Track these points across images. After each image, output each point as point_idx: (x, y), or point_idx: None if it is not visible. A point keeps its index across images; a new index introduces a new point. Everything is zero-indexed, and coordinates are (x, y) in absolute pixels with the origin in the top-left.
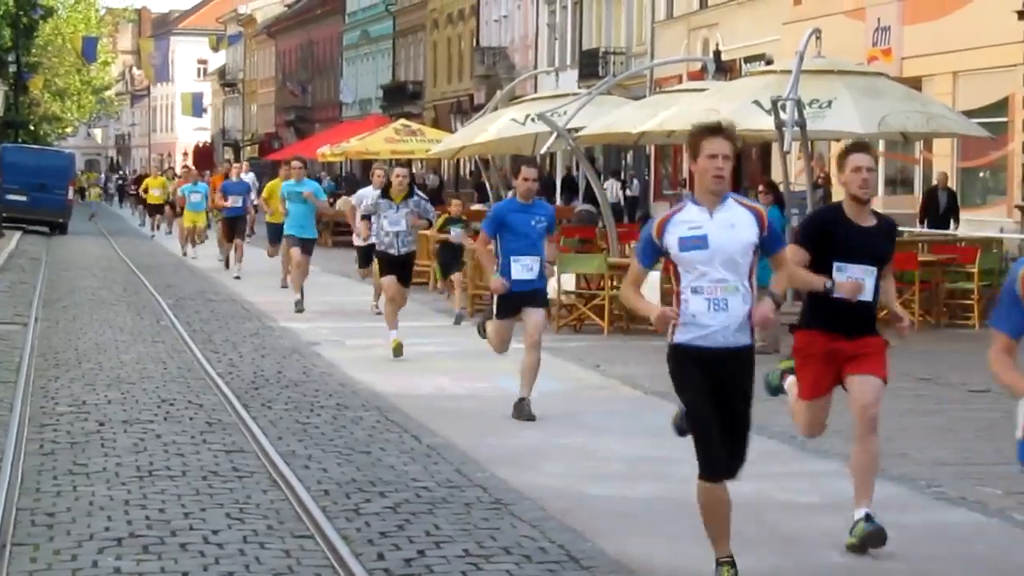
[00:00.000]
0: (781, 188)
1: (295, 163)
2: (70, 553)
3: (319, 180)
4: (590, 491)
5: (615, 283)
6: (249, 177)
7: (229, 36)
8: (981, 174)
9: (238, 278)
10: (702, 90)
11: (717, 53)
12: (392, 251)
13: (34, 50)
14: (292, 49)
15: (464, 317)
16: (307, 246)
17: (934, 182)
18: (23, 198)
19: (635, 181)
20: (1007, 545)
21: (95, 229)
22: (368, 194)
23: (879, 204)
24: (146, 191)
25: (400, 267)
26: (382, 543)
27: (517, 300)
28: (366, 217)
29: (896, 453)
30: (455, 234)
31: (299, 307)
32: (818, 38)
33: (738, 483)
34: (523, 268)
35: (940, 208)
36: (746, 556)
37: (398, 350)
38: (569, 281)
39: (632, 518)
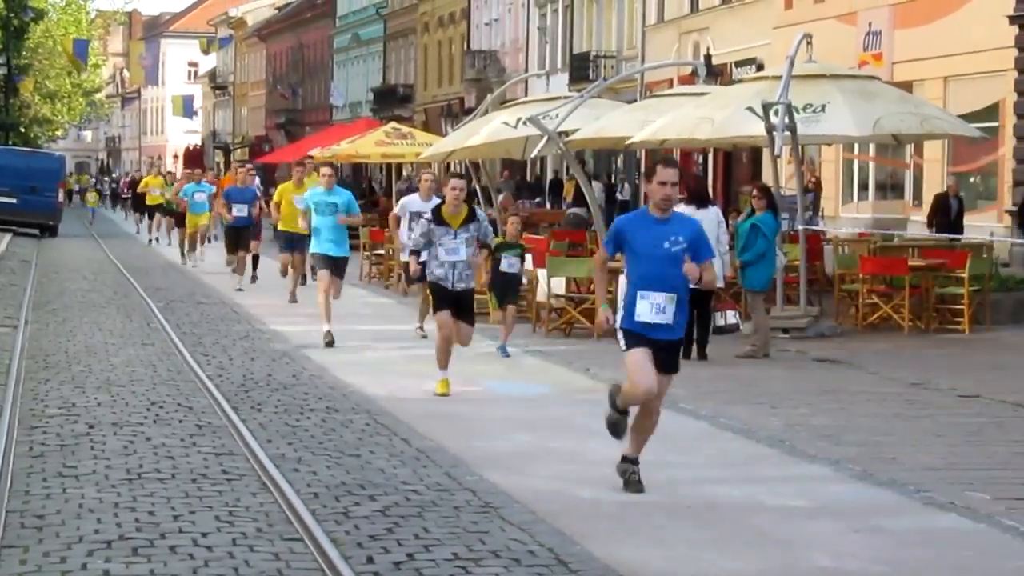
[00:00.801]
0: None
1: (324, 169)
2: (59, 555)
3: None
4: (580, 494)
5: None
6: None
7: (220, 39)
8: (972, 179)
9: (240, 290)
10: (693, 94)
11: (708, 57)
12: (445, 284)
13: (24, 52)
14: (283, 52)
15: (506, 352)
16: (340, 267)
17: (943, 189)
18: (13, 200)
19: (625, 185)
20: (996, 550)
21: (86, 232)
22: (414, 203)
23: (869, 208)
24: (145, 189)
25: (456, 302)
26: (371, 546)
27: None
28: (415, 252)
29: (885, 458)
30: (508, 264)
31: (329, 339)
32: (809, 42)
33: (727, 487)
34: (653, 308)
35: (951, 214)
36: (735, 559)
37: (444, 390)
38: (559, 284)
39: (621, 521)
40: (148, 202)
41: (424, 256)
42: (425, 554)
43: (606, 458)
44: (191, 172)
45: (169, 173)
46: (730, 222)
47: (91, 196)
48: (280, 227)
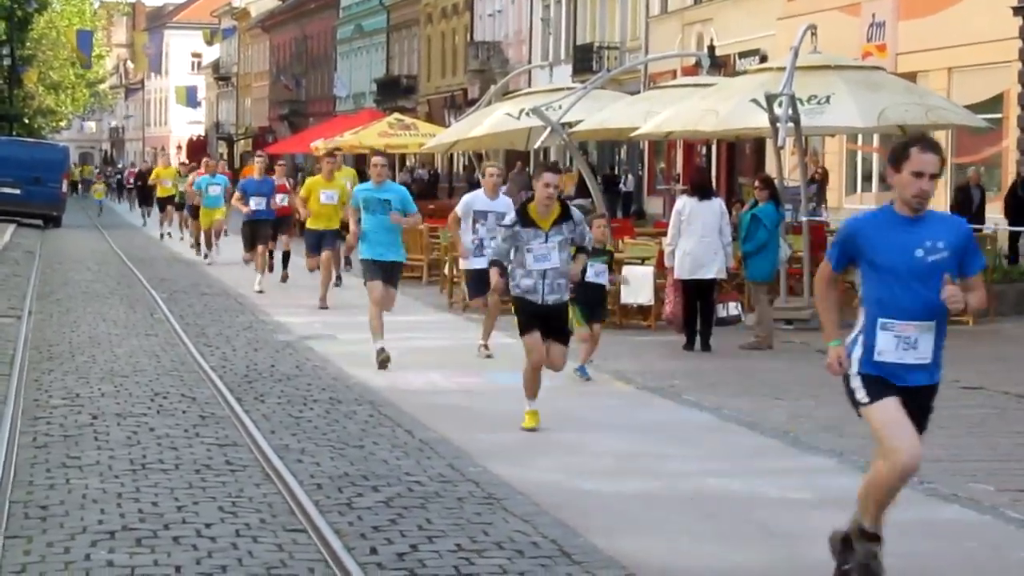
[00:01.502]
0: (776, 183)
1: (377, 159)
2: (63, 546)
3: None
4: (583, 486)
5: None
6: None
7: (223, 30)
8: (977, 170)
9: (261, 291)
10: (697, 86)
11: (711, 48)
12: (533, 297)
13: (28, 43)
14: (286, 43)
15: (586, 373)
16: (394, 274)
17: (966, 179)
18: (17, 191)
19: (628, 176)
20: (999, 542)
21: (90, 222)
22: (478, 201)
23: (872, 199)
24: (156, 180)
25: (546, 318)
26: (375, 537)
27: None
28: (496, 262)
29: None
30: (595, 273)
31: (384, 356)
32: (813, 34)
33: (731, 479)
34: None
35: (973, 206)
36: (738, 552)
37: (534, 424)
38: None
39: (624, 513)
40: (159, 194)
41: (477, 262)
42: (428, 545)
43: (609, 449)
44: (206, 162)
45: (183, 164)
46: (734, 213)
47: (99, 188)
48: (308, 225)
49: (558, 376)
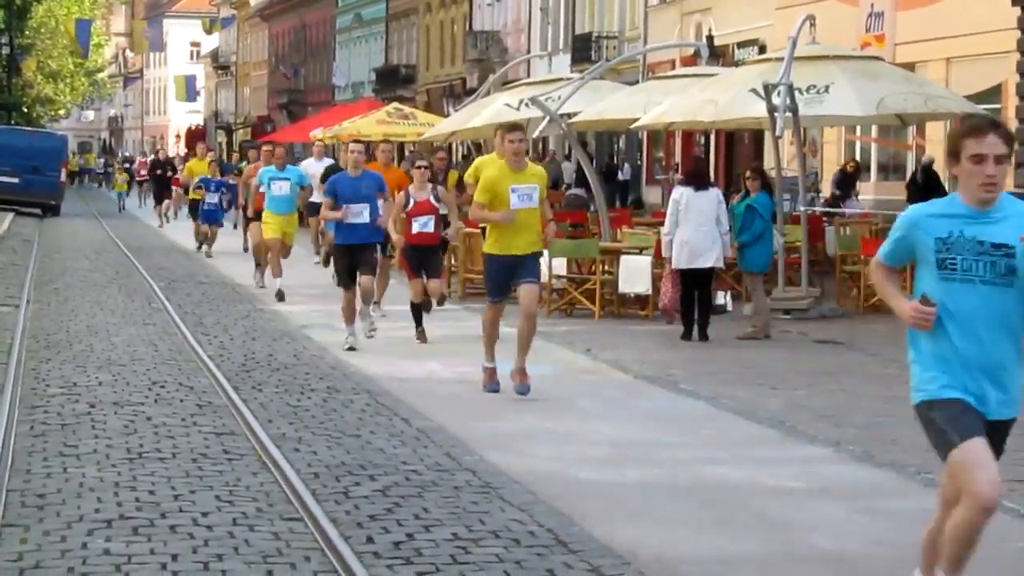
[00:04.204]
0: (772, 173)
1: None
2: (60, 535)
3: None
4: (579, 475)
5: (606, 268)
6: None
7: (222, 19)
8: None
9: (355, 347)
10: (695, 76)
11: (710, 38)
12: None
13: (27, 32)
14: (285, 32)
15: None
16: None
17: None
18: (15, 180)
19: (627, 166)
20: (996, 531)
21: (87, 211)
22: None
23: (871, 189)
24: (190, 179)
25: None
26: (371, 526)
27: None
28: None
29: (885, 439)
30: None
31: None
32: (811, 24)
33: (727, 468)
34: None
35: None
36: (734, 541)
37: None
38: (560, 265)
39: (621, 502)
40: (192, 196)
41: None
42: (425, 534)
43: (606, 438)
44: (269, 152)
45: (247, 152)
46: (730, 204)
47: (120, 179)
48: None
49: (556, 365)
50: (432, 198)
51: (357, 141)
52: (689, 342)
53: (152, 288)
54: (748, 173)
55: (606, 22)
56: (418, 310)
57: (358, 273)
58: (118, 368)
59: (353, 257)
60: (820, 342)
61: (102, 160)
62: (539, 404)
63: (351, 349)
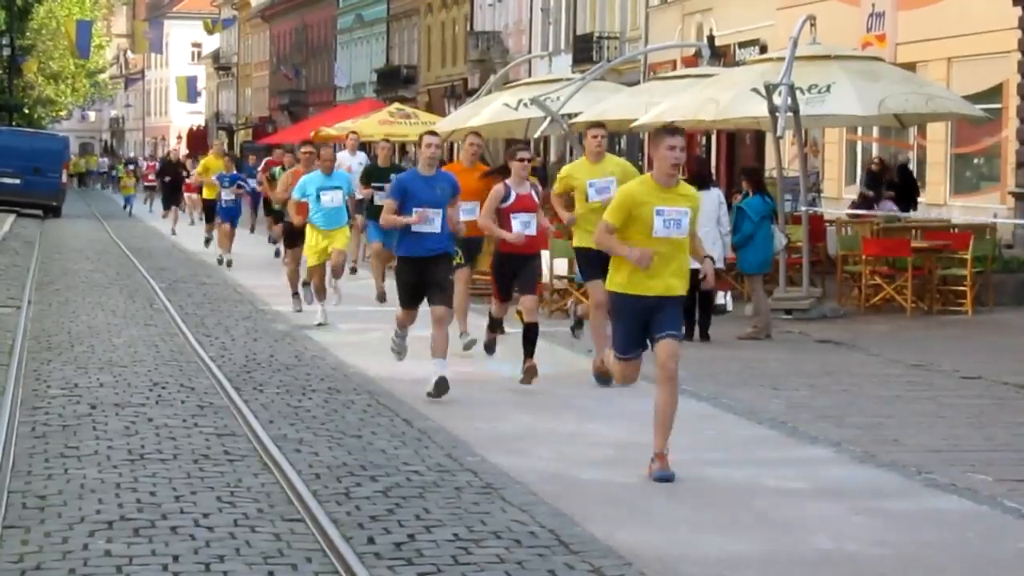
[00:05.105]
0: (774, 173)
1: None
2: (61, 536)
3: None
4: (580, 476)
5: None
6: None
7: (223, 19)
8: (975, 160)
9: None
10: (696, 76)
11: (711, 38)
12: None
13: (28, 33)
14: (286, 32)
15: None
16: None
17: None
18: (17, 181)
19: None
20: (997, 532)
21: (88, 212)
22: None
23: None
24: (204, 178)
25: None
26: (372, 527)
27: None
28: None
29: (887, 439)
30: None
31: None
32: (812, 24)
33: (728, 468)
34: None
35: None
36: (736, 541)
37: None
38: (561, 266)
39: (622, 503)
40: (206, 195)
41: None
42: (426, 535)
43: (607, 439)
44: (310, 154)
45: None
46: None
47: (127, 182)
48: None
49: (558, 365)
50: (534, 194)
51: (432, 133)
52: (690, 342)
53: (153, 289)
54: (742, 175)
55: (607, 22)
56: (495, 328)
57: (428, 298)
58: (119, 369)
59: (421, 273)
60: (821, 342)
61: (105, 160)
62: (540, 405)
63: (433, 395)
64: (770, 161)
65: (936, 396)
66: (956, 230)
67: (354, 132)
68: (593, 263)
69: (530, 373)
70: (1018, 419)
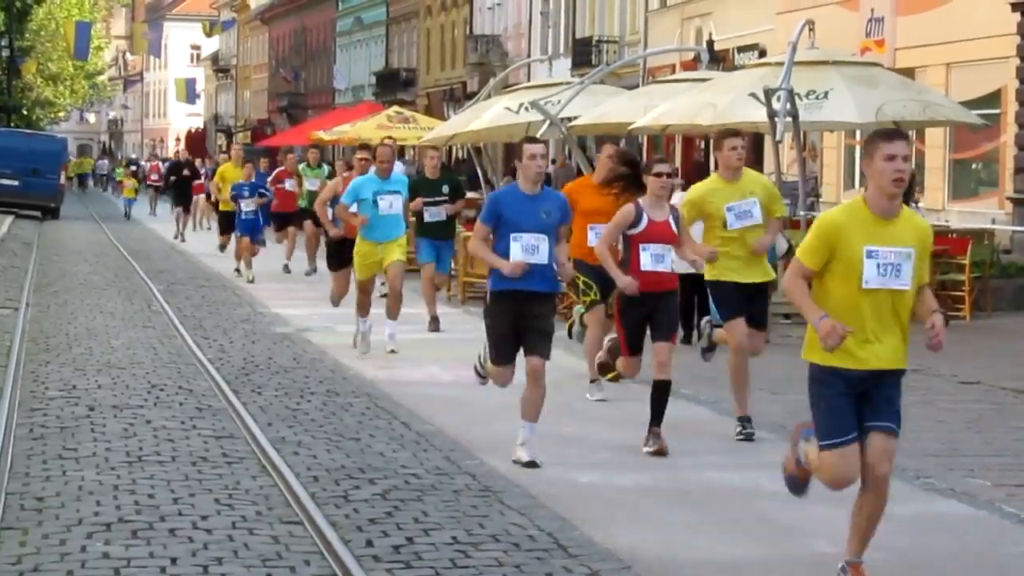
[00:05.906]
0: (772, 178)
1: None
2: (59, 538)
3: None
4: (579, 479)
5: None
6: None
7: (222, 22)
8: (973, 166)
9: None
10: (695, 80)
11: (710, 43)
12: None
13: (27, 34)
14: (285, 35)
15: None
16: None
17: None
18: (15, 183)
19: None
20: (996, 536)
21: (87, 214)
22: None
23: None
24: (220, 188)
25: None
26: (371, 530)
27: None
28: None
29: None
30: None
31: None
32: (811, 29)
33: (728, 472)
34: None
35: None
36: (735, 545)
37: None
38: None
39: (620, 506)
40: (222, 208)
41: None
42: (424, 538)
43: (605, 442)
44: (367, 158)
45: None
46: None
47: (129, 184)
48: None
49: (557, 369)
50: (672, 221)
51: (534, 140)
52: (688, 346)
53: (152, 291)
54: None
55: (607, 26)
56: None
57: (524, 346)
58: (117, 371)
59: (522, 315)
60: None
61: (105, 162)
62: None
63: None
64: (769, 165)
65: (935, 401)
66: (954, 235)
67: (390, 137)
68: (731, 298)
69: (658, 454)
70: (1017, 424)
